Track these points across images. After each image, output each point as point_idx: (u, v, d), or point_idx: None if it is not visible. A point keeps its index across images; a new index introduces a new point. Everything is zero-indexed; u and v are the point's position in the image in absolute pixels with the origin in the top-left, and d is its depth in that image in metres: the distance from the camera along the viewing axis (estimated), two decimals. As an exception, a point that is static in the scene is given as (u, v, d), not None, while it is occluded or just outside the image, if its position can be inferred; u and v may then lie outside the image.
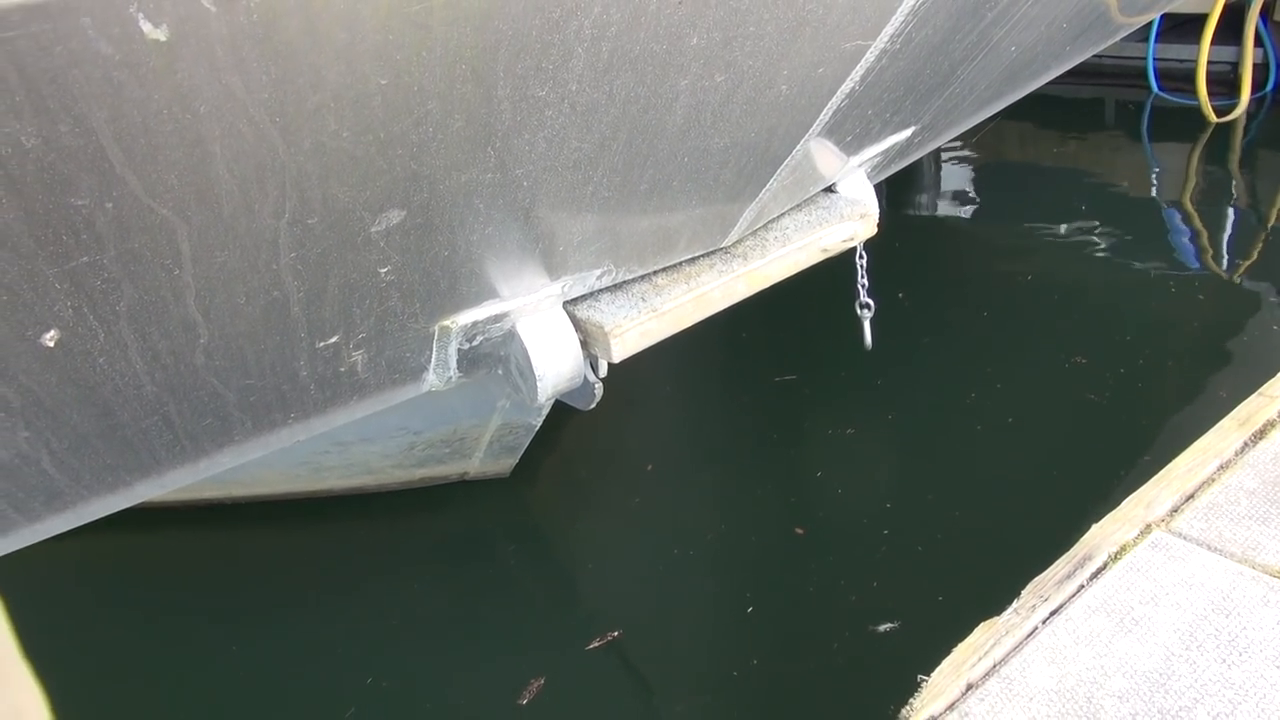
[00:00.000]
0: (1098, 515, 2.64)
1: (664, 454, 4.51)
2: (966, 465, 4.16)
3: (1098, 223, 6.38)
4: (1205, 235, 6.35)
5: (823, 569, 3.65)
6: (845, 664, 3.25)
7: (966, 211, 7.15)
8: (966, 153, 7.85)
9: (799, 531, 3.83)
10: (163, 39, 1.28)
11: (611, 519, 4.25)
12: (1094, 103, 8.83)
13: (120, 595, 4.08)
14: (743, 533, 3.93)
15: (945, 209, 7.22)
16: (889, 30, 2.25)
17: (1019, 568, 2.56)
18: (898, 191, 7.19)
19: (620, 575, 3.94)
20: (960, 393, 4.56)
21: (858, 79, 2.38)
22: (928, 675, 2.25)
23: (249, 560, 4.15)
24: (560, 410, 4.18)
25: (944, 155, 7.78)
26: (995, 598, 2.45)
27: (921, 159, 7.47)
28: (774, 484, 4.18)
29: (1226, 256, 6.00)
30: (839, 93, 2.40)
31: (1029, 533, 3.52)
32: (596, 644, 3.40)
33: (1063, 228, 6.39)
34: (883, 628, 3.29)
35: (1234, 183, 7.31)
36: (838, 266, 3.60)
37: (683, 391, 5.06)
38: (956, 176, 7.69)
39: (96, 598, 4.08)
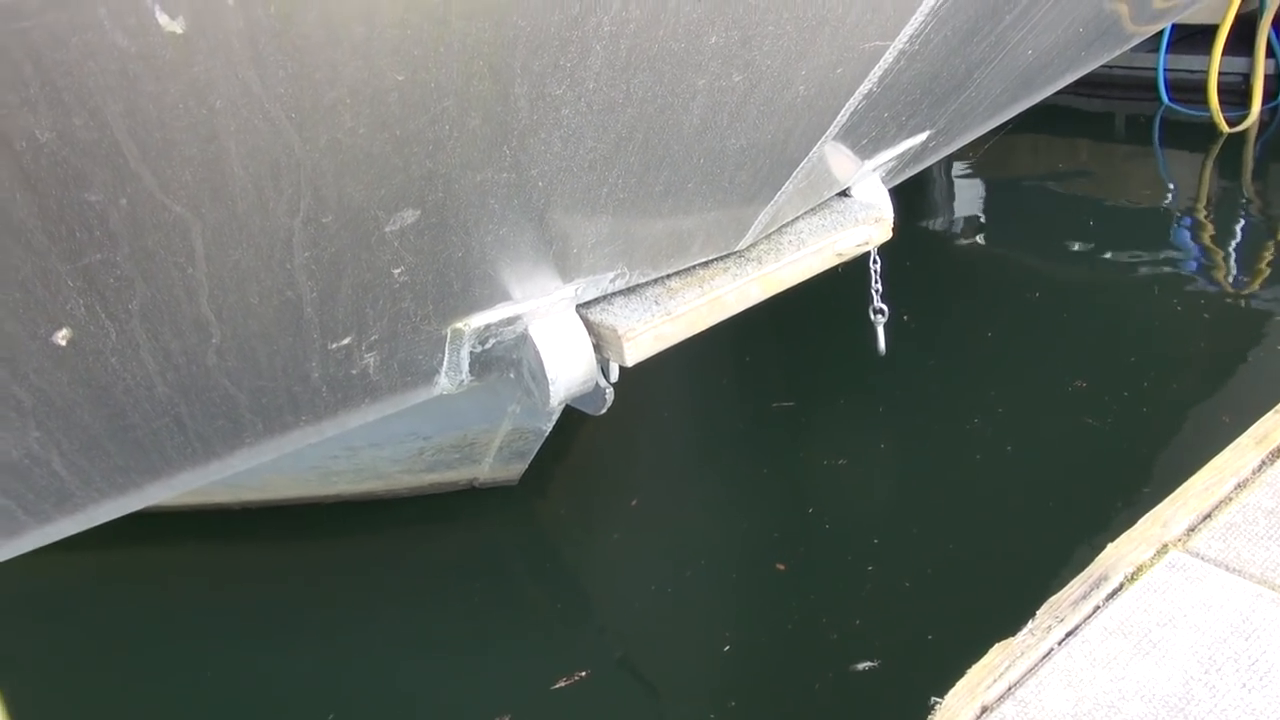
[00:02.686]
0: (1110, 537, 2.58)
1: (651, 488, 4.42)
2: (965, 495, 4.07)
3: (1107, 239, 6.32)
4: (1216, 251, 6.30)
5: (804, 607, 3.57)
6: (825, 705, 3.18)
7: (976, 228, 7.10)
8: (977, 169, 7.81)
9: (780, 568, 3.76)
10: (179, 31, 1.26)
11: (590, 555, 4.19)
12: (1104, 116, 8.77)
13: (124, 608, 4.07)
14: (723, 569, 3.84)
15: (955, 226, 7.17)
16: (908, 31, 2.23)
17: (1028, 591, 2.52)
18: (907, 208, 7.14)
19: (592, 612, 3.88)
20: (962, 419, 4.47)
21: (876, 80, 2.36)
22: (934, 687, 2.21)
23: (239, 576, 4.15)
24: (552, 441, 4.16)
25: (955, 171, 7.74)
26: (1007, 619, 2.40)
27: (933, 175, 7.47)
28: (760, 518, 4.08)
29: (1236, 272, 5.94)
30: (857, 94, 2.38)
31: (1033, 559, 3.45)
32: (564, 683, 3.33)
33: (1071, 244, 6.32)
34: (862, 666, 3.23)
35: (1245, 196, 7.25)
36: (850, 289, 3.56)
37: (679, 418, 4.98)
38: (967, 193, 7.63)
39: (98, 610, 4.07)
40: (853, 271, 3.49)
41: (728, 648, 3.43)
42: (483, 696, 3.36)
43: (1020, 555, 3.60)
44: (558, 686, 3.33)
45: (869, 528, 3.88)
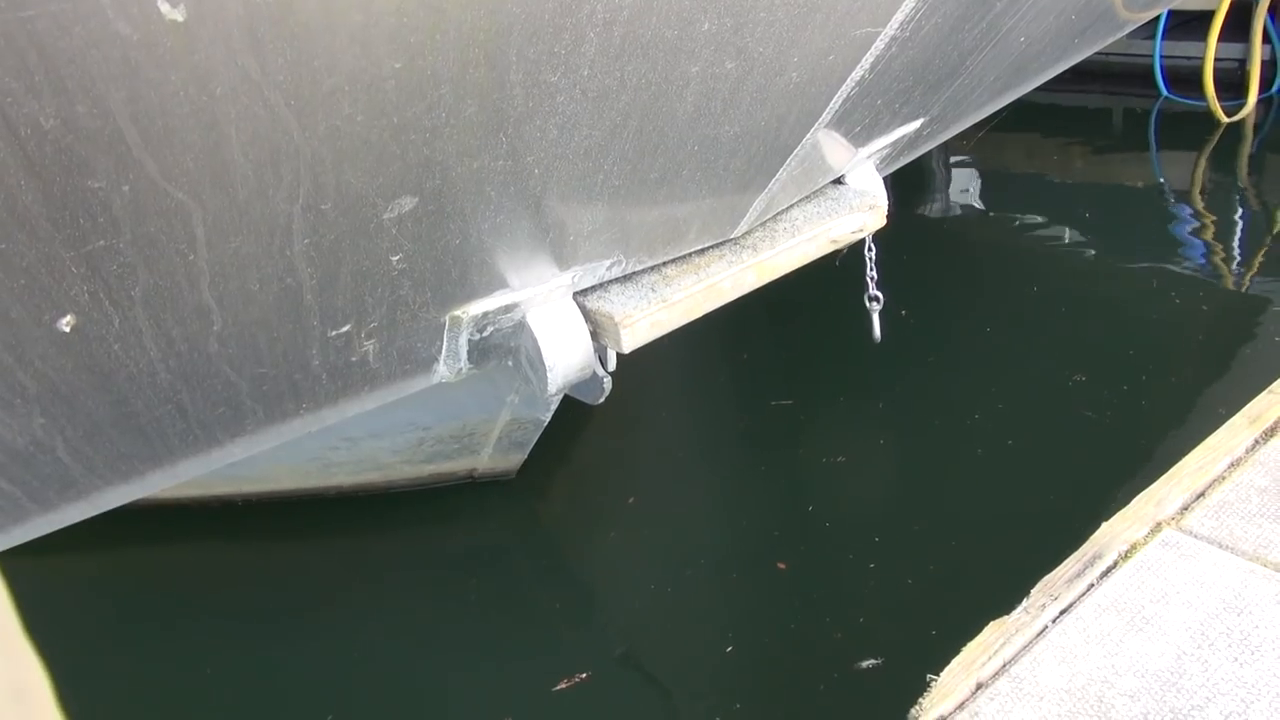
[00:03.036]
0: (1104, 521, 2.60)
1: (648, 486, 4.39)
2: (964, 489, 4.05)
3: (1104, 231, 6.32)
4: (1212, 242, 6.29)
5: (806, 605, 3.56)
6: (829, 704, 3.16)
7: (974, 223, 7.09)
8: (976, 163, 7.80)
9: (780, 566, 3.74)
10: (180, 19, 1.29)
11: (589, 555, 4.17)
12: (1101, 110, 8.76)
13: (128, 604, 4.09)
14: (724, 568, 3.81)
15: (953, 220, 7.17)
16: (899, 17, 2.25)
17: (1027, 573, 2.51)
18: (905, 200, 7.11)
19: (593, 613, 3.85)
20: (961, 414, 4.45)
21: (868, 67, 2.38)
22: (936, 675, 2.23)
23: (238, 573, 4.15)
24: (550, 440, 4.16)
25: (952, 163, 7.73)
26: (1009, 604, 2.41)
27: (931, 168, 7.47)
28: (760, 517, 4.06)
29: (1233, 263, 5.93)
30: (849, 81, 2.40)
31: (1033, 544, 3.41)
32: (564, 685, 3.31)
33: (1069, 237, 6.33)
34: (865, 664, 3.22)
35: (1241, 186, 7.24)
36: (847, 286, 3.55)
37: (677, 416, 4.94)
38: (964, 186, 7.62)
39: (102, 605, 4.09)
40: (850, 268, 3.49)
41: (730, 648, 3.43)
42: (483, 698, 3.35)
43: (1020, 541, 3.60)
44: (559, 688, 3.31)
45: (869, 524, 3.88)
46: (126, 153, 1.41)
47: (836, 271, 3.50)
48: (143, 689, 3.61)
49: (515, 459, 4.28)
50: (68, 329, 1.64)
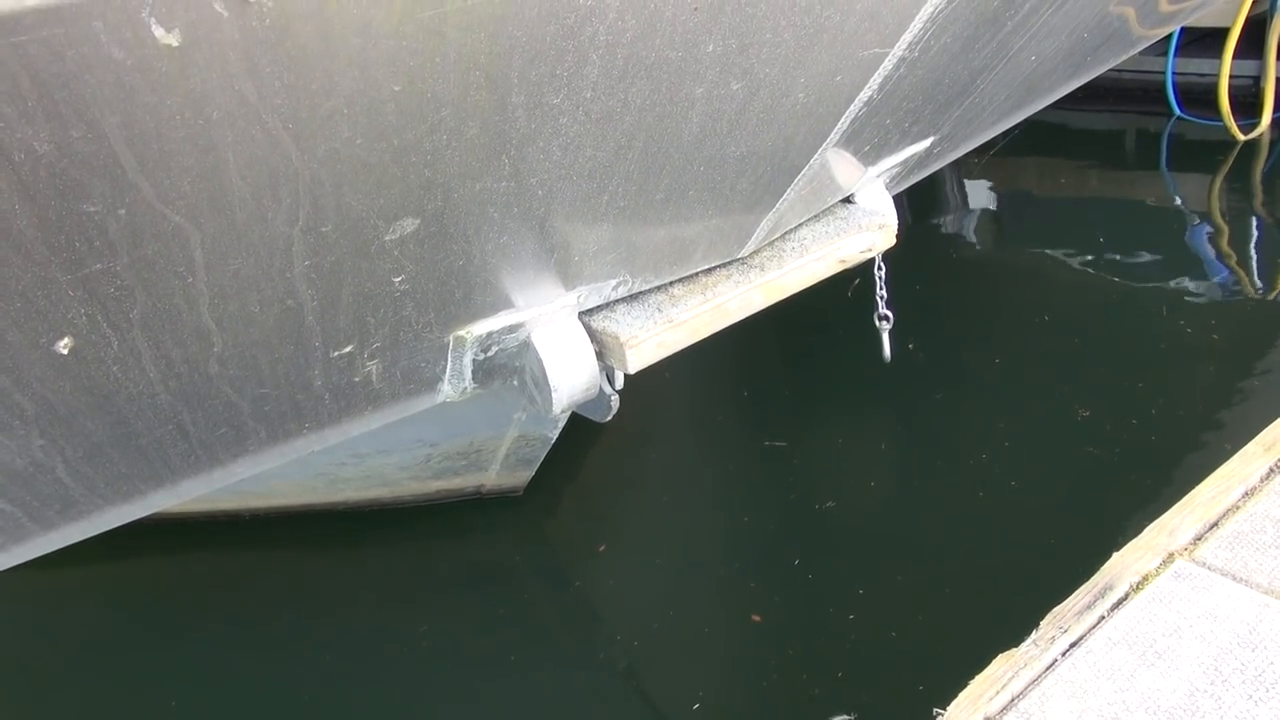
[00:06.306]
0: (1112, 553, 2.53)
1: (622, 534, 4.25)
2: (962, 539, 3.87)
3: (1117, 257, 6.19)
4: (1228, 266, 6.17)
5: (781, 660, 3.43)
6: None
7: (986, 247, 6.94)
8: (987, 182, 7.72)
9: (755, 619, 3.62)
10: (175, 44, 1.28)
11: (551, 606, 4.06)
12: (1114, 131, 8.65)
13: (130, 618, 4.09)
14: (695, 621, 3.66)
15: (964, 244, 7.04)
16: (907, 38, 2.23)
17: (1022, 624, 2.45)
18: (916, 223, 6.99)
19: (550, 669, 3.70)
20: (965, 456, 4.30)
21: (876, 87, 2.36)
22: (944, 709, 2.19)
23: (259, 583, 4.15)
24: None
25: (964, 183, 7.63)
26: (993, 645, 2.34)
27: (942, 188, 7.40)
28: (738, 566, 3.92)
29: (1249, 287, 5.83)
30: (857, 101, 2.38)
31: (1035, 591, 3.31)
32: None
33: (1081, 262, 6.20)
34: (838, 719, 3.13)
35: (1258, 207, 7.13)
36: (856, 322, 3.45)
37: (665, 457, 4.78)
38: (976, 208, 7.52)
39: (111, 618, 4.09)
40: (860, 300, 3.40)
41: (696, 705, 3.32)
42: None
43: (1017, 587, 3.44)
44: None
45: (854, 574, 3.74)
46: (122, 176, 1.40)
47: (845, 305, 3.42)
48: (149, 701, 3.61)
49: (523, 476, 4.26)
50: (65, 351, 1.63)
